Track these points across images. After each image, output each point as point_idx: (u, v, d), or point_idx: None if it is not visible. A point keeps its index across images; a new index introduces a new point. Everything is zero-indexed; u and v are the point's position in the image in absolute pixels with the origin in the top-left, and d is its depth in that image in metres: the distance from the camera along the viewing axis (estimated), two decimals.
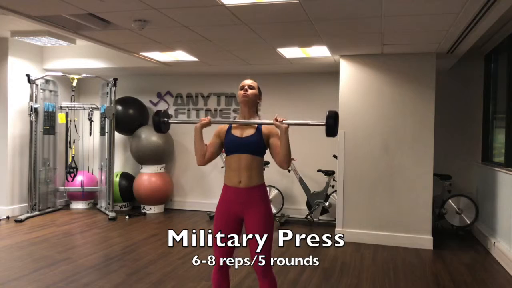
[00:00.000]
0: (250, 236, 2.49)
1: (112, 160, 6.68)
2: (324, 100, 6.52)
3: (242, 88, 2.61)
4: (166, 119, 2.85)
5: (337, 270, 4.20)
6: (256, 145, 2.52)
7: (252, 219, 2.49)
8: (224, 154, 2.64)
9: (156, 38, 4.63)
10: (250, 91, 2.59)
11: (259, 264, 2.48)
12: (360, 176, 5.28)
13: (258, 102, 2.67)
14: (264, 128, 2.56)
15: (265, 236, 2.48)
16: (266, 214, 2.51)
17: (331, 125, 2.51)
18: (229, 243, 2.55)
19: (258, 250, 2.47)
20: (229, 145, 2.56)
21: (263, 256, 2.48)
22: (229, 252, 2.57)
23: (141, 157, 6.81)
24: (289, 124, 2.46)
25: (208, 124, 2.64)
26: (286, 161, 2.48)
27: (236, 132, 2.58)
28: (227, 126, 2.65)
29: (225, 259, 2.57)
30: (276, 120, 2.47)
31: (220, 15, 3.70)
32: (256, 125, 2.57)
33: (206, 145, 2.66)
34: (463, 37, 4.32)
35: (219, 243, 2.56)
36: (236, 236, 2.57)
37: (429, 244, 5.03)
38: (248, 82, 2.63)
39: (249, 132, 2.55)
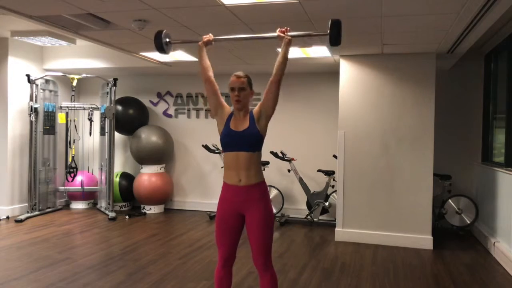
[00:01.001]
0: (251, 233, 2.50)
1: (112, 160, 6.68)
2: (324, 100, 6.53)
3: (233, 90, 2.54)
4: (167, 39, 2.86)
5: (337, 270, 4.20)
6: (253, 138, 2.51)
7: (253, 216, 2.50)
8: (224, 154, 2.63)
9: None
10: (242, 95, 2.54)
11: (260, 261, 2.50)
12: (360, 176, 5.28)
13: (251, 96, 2.63)
14: (255, 113, 2.56)
15: (265, 233, 2.50)
16: (267, 211, 2.52)
17: (335, 33, 2.53)
18: (231, 241, 2.56)
19: (259, 246, 2.49)
20: (225, 138, 2.55)
21: (264, 253, 2.50)
22: (232, 249, 2.58)
23: (141, 157, 6.81)
24: (292, 36, 2.54)
25: (210, 42, 2.67)
26: (281, 67, 2.49)
27: (233, 125, 2.55)
28: (230, 111, 2.62)
29: (228, 256, 2.58)
30: (281, 32, 2.54)
31: (220, 15, 3.70)
32: (249, 116, 2.56)
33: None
34: (463, 37, 4.32)
35: (221, 241, 2.57)
36: (238, 234, 2.58)
37: (429, 244, 5.03)
38: (238, 81, 2.54)
39: (244, 125, 2.54)
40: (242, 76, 2.56)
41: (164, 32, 2.84)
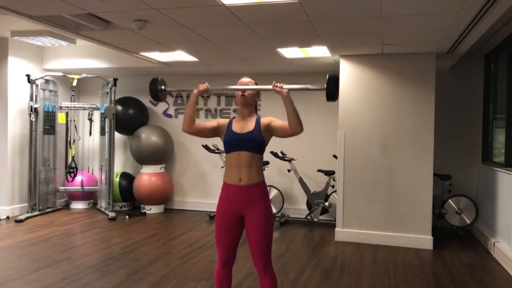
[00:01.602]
0: (251, 234, 2.50)
1: (112, 160, 6.68)
2: (324, 100, 6.50)
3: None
4: (163, 87, 2.82)
5: (337, 270, 4.20)
6: (256, 141, 2.53)
7: (253, 217, 2.50)
8: (224, 154, 2.64)
9: (156, 38, 4.63)
10: (247, 93, 2.60)
11: (260, 261, 2.50)
12: (360, 176, 5.28)
13: (257, 100, 2.69)
14: (262, 122, 2.57)
15: (265, 233, 2.50)
16: (267, 211, 2.52)
17: (332, 88, 2.49)
18: (231, 241, 2.56)
19: (259, 248, 2.48)
20: (229, 141, 2.57)
21: (264, 253, 2.50)
22: (232, 249, 2.58)
23: (141, 157, 6.81)
24: (289, 89, 2.48)
25: (206, 91, 2.63)
26: (297, 124, 2.43)
27: (236, 128, 2.58)
28: (228, 120, 2.66)
29: (228, 256, 2.57)
30: (275, 86, 2.47)
31: (220, 15, 3.70)
32: (255, 121, 2.58)
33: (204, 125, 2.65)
34: (463, 37, 4.32)
35: (221, 241, 2.57)
36: (237, 234, 2.58)
37: (429, 244, 5.03)
38: (244, 82, 2.63)
39: (249, 127, 2.56)
40: (249, 79, 2.66)
41: (159, 79, 2.80)
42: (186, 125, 2.61)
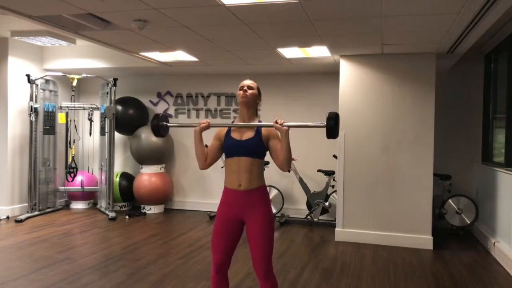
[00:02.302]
0: (251, 239, 2.47)
1: (112, 160, 6.68)
2: (324, 100, 6.52)
3: (241, 89, 2.60)
4: (164, 123, 2.82)
5: (337, 270, 4.20)
6: (256, 148, 2.51)
7: (253, 221, 2.47)
8: (224, 156, 2.63)
9: (156, 38, 4.63)
10: (249, 92, 2.58)
11: (261, 267, 2.46)
12: (360, 176, 5.28)
13: (258, 102, 2.67)
14: (264, 130, 2.55)
15: (266, 238, 2.46)
16: (267, 216, 2.49)
17: (332, 126, 2.48)
18: (228, 246, 2.53)
19: (260, 253, 2.46)
20: (228, 148, 2.56)
21: (265, 259, 2.46)
22: (228, 254, 2.55)
23: (141, 157, 6.81)
24: (289, 127, 2.45)
25: (207, 127, 2.62)
26: (287, 164, 2.48)
27: (235, 135, 2.57)
28: (225, 129, 2.64)
29: (222, 261, 2.54)
30: (276, 123, 2.46)
31: (220, 15, 3.70)
32: (256, 129, 2.56)
33: (206, 146, 2.65)
34: (463, 37, 4.32)
35: (217, 246, 2.54)
36: (235, 239, 2.55)
37: (429, 244, 5.03)
38: (247, 82, 2.63)
39: (249, 134, 2.54)
40: (253, 81, 2.67)
41: (161, 115, 2.80)
42: (201, 164, 2.64)
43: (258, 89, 2.66)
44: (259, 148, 2.53)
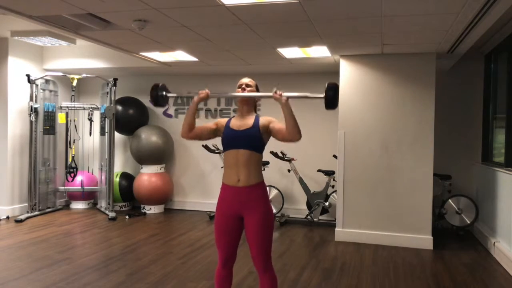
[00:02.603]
0: (250, 235, 2.50)
1: (112, 160, 6.68)
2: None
3: (240, 87, 2.63)
4: (164, 93, 2.81)
5: (337, 270, 4.20)
6: (254, 139, 2.51)
7: (252, 217, 2.49)
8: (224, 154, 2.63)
9: (156, 38, 4.63)
10: (248, 90, 2.61)
11: (259, 262, 2.49)
12: (360, 176, 5.28)
13: (257, 100, 2.69)
14: (261, 120, 2.56)
15: (264, 234, 2.49)
16: (266, 212, 2.51)
17: (331, 97, 2.48)
18: (231, 241, 2.56)
19: (258, 248, 2.48)
20: (226, 138, 2.56)
21: (263, 254, 2.49)
22: (232, 249, 2.58)
23: (141, 157, 6.81)
24: (288, 97, 2.47)
25: (206, 97, 2.63)
26: (296, 131, 2.42)
27: (234, 125, 2.57)
28: (226, 119, 2.65)
29: (228, 256, 2.57)
30: (275, 93, 2.48)
31: (220, 15, 3.70)
32: (254, 120, 2.57)
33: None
34: (463, 37, 4.32)
35: (221, 242, 2.56)
36: (237, 234, 2.57)
37: (429, 244, 5.03)
38: (246, 80, 2.65)
39: (247, 124, 2.55)
40: (249, 78, 2.68)
41: (160, 85, 2.78)
42: (184, 131, 2.60)
43: (256, 87, 2.68)
44: (257, 139, 2.52)
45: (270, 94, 2.49)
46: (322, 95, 2.51)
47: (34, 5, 3.54)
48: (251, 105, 2.64)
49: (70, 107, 6.79)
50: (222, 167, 6.52)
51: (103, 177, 6.82)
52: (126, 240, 5.19)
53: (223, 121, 2.66)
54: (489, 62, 5.76)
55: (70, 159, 6.73)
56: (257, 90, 2.67)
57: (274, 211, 6.32)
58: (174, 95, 2.92)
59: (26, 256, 4.48)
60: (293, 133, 2.43)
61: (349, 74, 5.32)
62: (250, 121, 2.57)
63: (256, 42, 4.66)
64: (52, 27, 4.22)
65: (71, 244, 5.03)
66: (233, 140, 2.53)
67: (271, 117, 2.59)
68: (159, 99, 2.77)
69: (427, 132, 5.07)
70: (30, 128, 6.37)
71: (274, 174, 6.65)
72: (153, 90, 2.77)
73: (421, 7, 3.46)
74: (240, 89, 2.62)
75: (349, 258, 4.60)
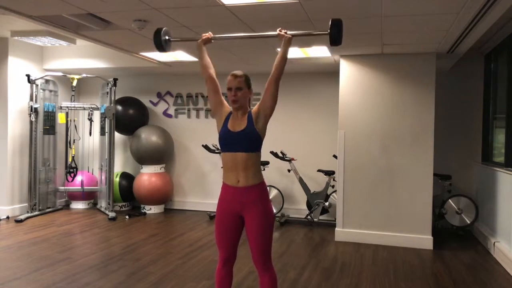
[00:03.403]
0: (250, 234, 2.50)
1: (112, 160, 6.68)
2: (324, 100, 6.53)
3: (229, 89, 2.52)
4: (167, 37, 2.81)
5: (337, 270, 4.20)
6: (250, 138, 2.48)
7: (252, 217, 2.48)
8: (222, 154, 2.62)
9: None
10: (239, 94, 2.51)
11: (259, 261, 2.50)
12: (360, 176, 5.28)
13: (249, 97, 2.59)
14: (253, 111, 2.55)
15: (264, 234, 2.48)
16: (266, 212, 2.50)
17: (335, 33, 2.52)
18: (231, 241, 2.56)
19: (258, 247, 2.48)
20: (223, 139, 2.54)
21: (263, 253, 2.49)
22: (232, 249, 2.58)
23: (141, 157, 6.81)
24: (292, 35, 2.54)
25: (209, 40, 2.67)
26: (279, 67, 2.50)
27: (230, 125, 2.53)
28: (229, 111, 2.60)
29: (228, 256, 2.57)
30: (280, 31, 2.54)
31: (220, 15, 3.70)
32: (247, 116, 2.53)
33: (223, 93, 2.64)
34: (463, 37, 4.32)
35: (221, 241, 2.57)
36: (237, 234, 2.57)
37: (429, 244, 5.03)
38: (234, 81, 2.51)
39: (242, 125, 2.50)
40: (239, 75, 2.53)
41: (163, 29, 2.80)
42: (201, 71, 2.67)
43: (247, 81, 2.55)
44: (254, 137, 2.49)
45: (275, 33, 2.57)
46: (326, 32, 2.53)
47: (34, 5, 3.54)
48: (245, 107, 2.57)
49: (70, 107, 6.79)
50: (222, 167, 6.54)
51: (103, 177, 6.82)
52: (126, 240, 5.19)
53: (226, 110, 2.60)
54: (489, 62, 5.76)
55: (70, 159, 6.73)
56: (248, 85, 2.56)
57: (274, 211, 6.32)
58: (178, 39, 2.92)
59: (26, 256, 4.48)
60: (281, 65, 2.51)
61: (349, 74, 5.32)
62: (244, 120, 2.52)
63: (256, 42, 4.66)
64: (52, 27, 4.22)
65: (71, 244, 5.03)
66: (229, 142, 2.50)
67: (257, 104, 2.57)
68: (162, 44, 2.78)
69: (427, 132, 5.07)
70: (30, 128, 6.37)
71: (274, 174, 6.65)
72: (156, 34, 2.78)
73: (421, 7, 3.46)
74: (230, 93, 2.51)
75: (349, 258, 4.60)
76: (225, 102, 2.65)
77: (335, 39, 2.54)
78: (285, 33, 2.54)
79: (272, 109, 2.54)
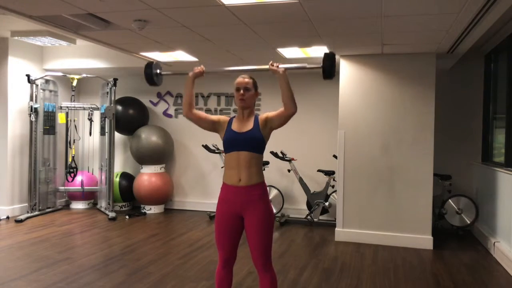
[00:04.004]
0: (250, 234, 2.50)
1: (112, 160, 6.68)
2: (324, 100, 6.53)
3: (238, 90, 2.57)
4: (159, 71, 2.80)
5: (337, 270, 4.20)
6: (255, 140, 2.52)
7: (252, 217, 2.49)
8: (224, 154, 2.63)
9: (156, 38, 4.63)
10: (247, 95, 2.56)
11: (259, 261, 2.50)
12: (360, 176, 5.28)
13: (256, 98, 2.66)
14: (260, 119, 2.57)
15: (264, 234, 2.49)
16: (266, 212, 2.52)
17: (328, 67, 2.50)
18: (231, 241, 2.56)
19: (258, 248, 2.48)
20: (228, 140, 2.56)
21: (263, 254, 2.50)
22: (232, 249, 2.58)
23: (141, 157, 6.81)
24: (285, 68, 2.49)
25: (201, 73, 2.65)
26: (292, 103, 2.45)
27: (235, 127, 2.58)
28: (228, 118, 2.65)
29: (228, 256, 2.58)
30: (272, 65, 2.49)
31: (220, 15, 3.70)
32: (254, 121, 2.57)
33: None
34: (463, 37, 4.32)
35: (221, 242, 2.57)
36: (237, 234, 2.58)
37: (429, 244, 5.03)
38: (243, 82, 2.57)
39: (248, 126, 2.56)
40: (248, 77, 2.60)
41: (154, 63, 2.79)
42: (184, 110, 2.66)
43: (254, 84, 2.62)
44: (259, 140, 2.53)
45: (267, 66, 2.52)
46: (320, 65, 2.52)
47: (34, 5, 3.54)
48: (251, 107, 2.62)
49: (70, 107, 6.79)
50: (222, 167, 6.56)
51: (103, 177, 6.82)
52: (126, 240, 5.19)
53: (225, 119, 2.65)
54: (489, 62, 5.76)
55: (70, 159, 6.73)
56: (255, 87, 2.62)
57: (274, 211, 6.32)
58: (169, 73, 2.92)
59: (26, 256, 4.48)
60: (290, 105, 2.46)
61: (349, 74, 5.32)
62: (250, 122, 2.57)
63: (256, 42, 4.66)
64: (52, 27, 4.22)
65: (71, 244, 5.03)
66: (235, 142, 2.54)
67: (267, 112, 2.60)
68: (153, 78, 2.78)
69: (427, 132, 5.07)
70: (30, 128, 6.37)
71: (274, 174, 6.65)
72: (147, 68, 2.76)
73: (421, 7, 3.46)
74: (238, 94, 2.55)
75: (349, 258, 4.60)
76: (219, 117, 2.67)
77: (328, 73, 2.52)
78: (277, 66, 2.48)
79: (278, 127, 2.60)
